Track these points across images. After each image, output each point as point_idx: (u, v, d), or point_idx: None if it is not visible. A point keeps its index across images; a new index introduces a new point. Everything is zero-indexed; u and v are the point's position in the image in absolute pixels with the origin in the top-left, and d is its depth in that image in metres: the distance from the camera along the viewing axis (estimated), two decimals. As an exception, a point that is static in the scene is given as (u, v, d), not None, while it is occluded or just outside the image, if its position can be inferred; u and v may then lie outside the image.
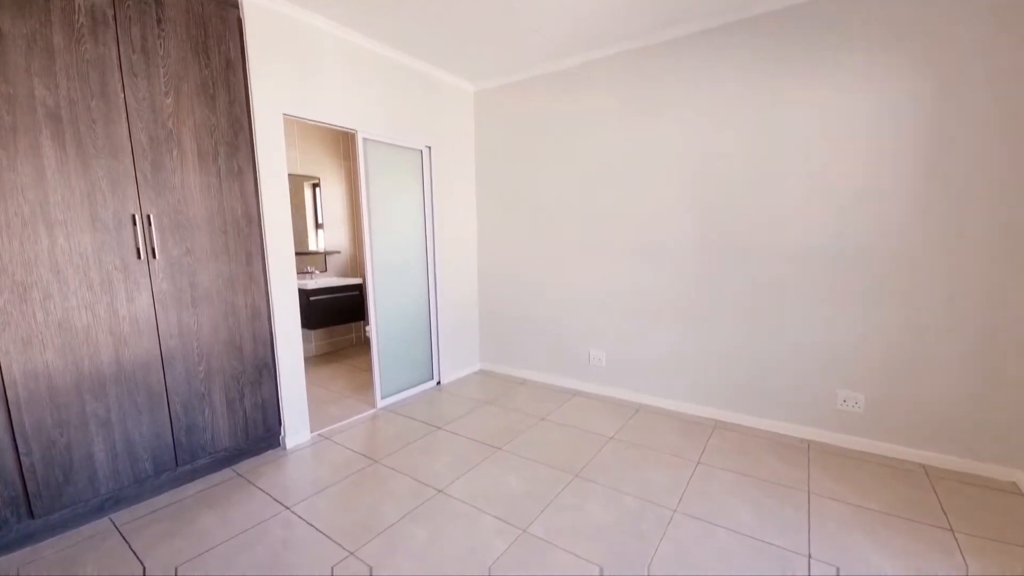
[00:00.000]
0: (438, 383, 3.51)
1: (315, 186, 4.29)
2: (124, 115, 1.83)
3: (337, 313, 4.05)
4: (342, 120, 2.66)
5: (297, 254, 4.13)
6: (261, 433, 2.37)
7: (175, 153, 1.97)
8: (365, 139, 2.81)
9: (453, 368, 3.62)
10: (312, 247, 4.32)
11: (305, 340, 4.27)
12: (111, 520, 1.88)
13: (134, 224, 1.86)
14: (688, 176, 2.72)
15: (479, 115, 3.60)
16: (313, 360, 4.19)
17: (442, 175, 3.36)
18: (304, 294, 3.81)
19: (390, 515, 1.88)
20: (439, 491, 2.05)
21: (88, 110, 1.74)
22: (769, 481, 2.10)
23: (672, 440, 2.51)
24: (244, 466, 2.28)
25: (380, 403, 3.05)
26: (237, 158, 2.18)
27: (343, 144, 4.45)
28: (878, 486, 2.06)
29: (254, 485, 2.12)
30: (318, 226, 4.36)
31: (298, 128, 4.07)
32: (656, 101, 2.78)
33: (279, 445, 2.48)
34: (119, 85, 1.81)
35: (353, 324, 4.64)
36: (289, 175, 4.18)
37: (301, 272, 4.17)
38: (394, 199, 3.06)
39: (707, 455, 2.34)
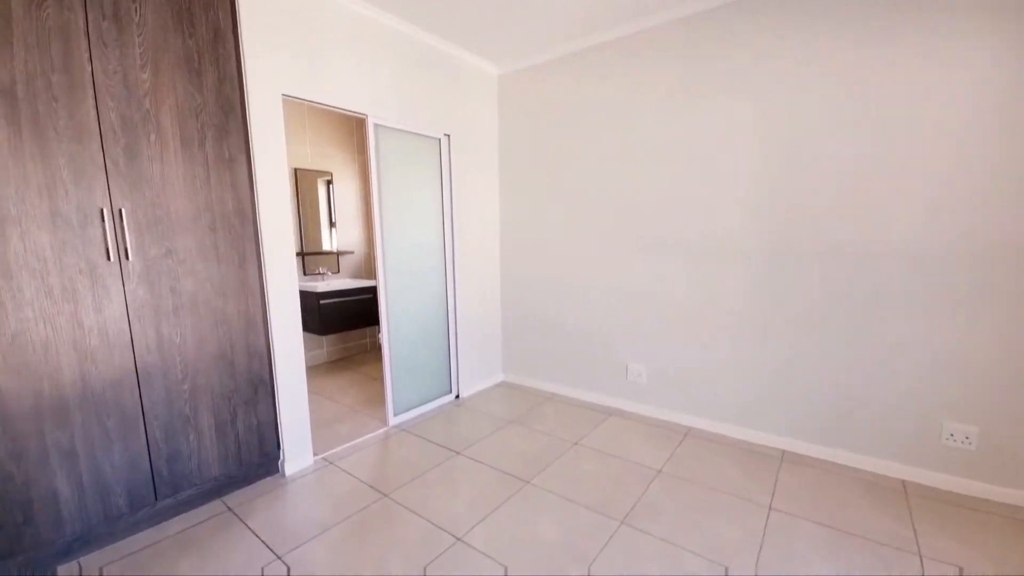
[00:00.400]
0: (457, 397, 3.19)
1: (329, 182, 4.03)
2: (91, 92, 1.55)
3: (350, 318, 3.77)
4: (351, 103, 2.36)
5: (309, 254, 3.88)
6: (256, 459, 2.09)
7: (153, 137, 1.69)
8: (376, 125, 2.50)
9: (473, 380, 3.29)
10: (327, 247, 4.06)
11: (317, 346, 4.02)
12: (79, 564, 1.62)
13: (103, 220, 1.59)
14: (753, 165, 2.31)
15: (503, 100, 3.25)
16: (324, 368, 3.93)
17: (462, 167, 3.03)
18: (315, 297, 3.54)
19: (398, 573, 1.55)
20: (457, 539, 1.71)
21: (48, 86, 1.47)
22: (867, 538, 1.69)
23: (734, 476, 2.11)
24: (236, 497, 2.00)
25: (393, 420, 2.74)
26: (228, 144, 1.90)
27: (357, 137, 4.18)
28: (1003, 546, 1.63)
29: (244, 523, 1.82)
30: (332, 224, 4.10)
31: (309, 119, 3.81)
32: (712, 78, 2.37)
33: (277, 471, 2.19)
34: (86, 57, 1.54)
35: (368, 328, 4.37)
36: (300, 170, 3.97)
37: (312, 273, 3.91)
38: (409, 193, 2.75)
39: (780, 497, 1.94)
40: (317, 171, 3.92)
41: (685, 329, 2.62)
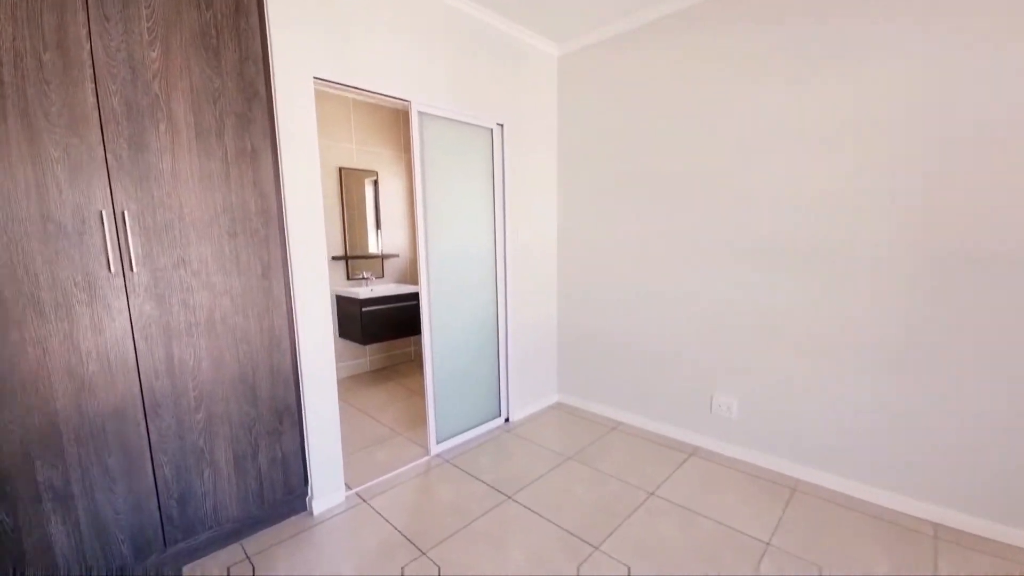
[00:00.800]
0: (506, 420, 2.83)
1: (375, 182, 3.80)
2: (90, 73, 1.32)
3: (393, 326, 3.52)
4: (392, 88, 2.05)
5: (351, 258, 3.67)
6: (280, 496, 1.82)
7: (163, 127, 1.44)
8: (421, 113, 2.18)
9: (525, 401, 2.92)
10: (373, 250, 3.84)
11: (359, 355, 3.81)
12: (78, 621, 1.40)
13: (103, 225, 1.36)
14: (906, 149, 1.76)
15: (563, 85, 2.85)
16: (366, 378, 3.70)
17: (516, 160, 2.66)
18: (356, 304, 3.32)
19: None
20: (511, 632, 1.34)
21: (39, 67, 1.24)
22: None
23: (874, 559, 1.60)
24: (256, 541, 1.74)
25: (435, 448, 2.42)
26: (251, 135, 1.63)
27: (404, 132, 3.92)
28: None
29: (261, 580, 1.55)
30: (378, 226, 3.87)
31: (355, 115, 3.59)
32: (843, 40, 1.85)
33: (304, 510, 1.92)
34: (84, 32, 1.30)
35: (413, 337, 4.11)
36: (345, 169, 3.77)
37: (355, 278, 3.70)
38: (456, 189, 2.41)
39: (952, 604, 1.41)
40: (363, 170, 3.70)
41: (792, 354, 2.10)
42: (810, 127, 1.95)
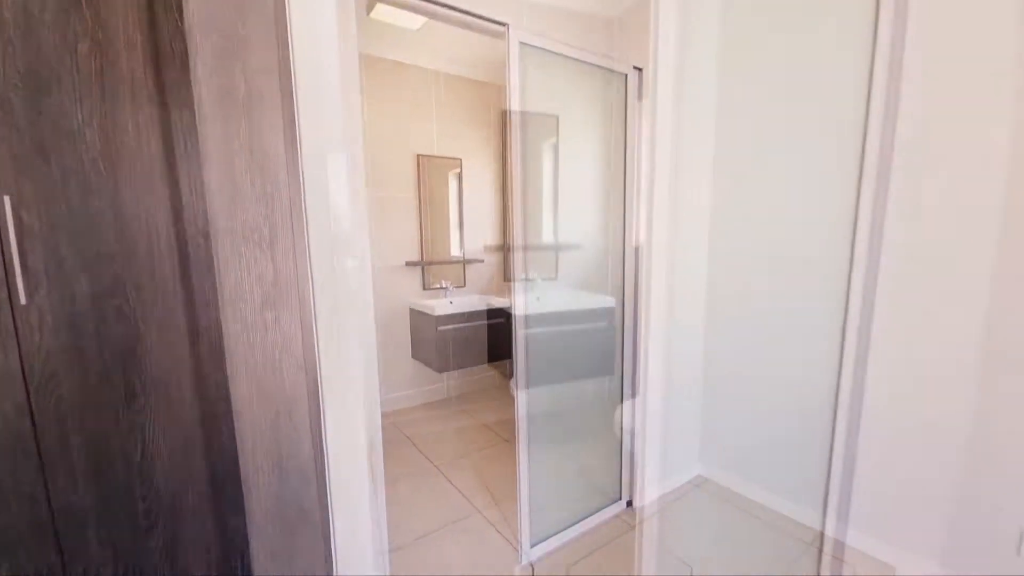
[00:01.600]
0: (628, 504, 1.96)
1: (458, 173, 3.14)
2: (-54, -54, 0.72)
3: (477, 349, 2.83)
4: (480, 3, 1.29)
5: (430, 263, 3.05)
6: (292, 651, 1.16)
7: (84, 48, 0.82)
8: (523, 44, 1.40)
9: (653, 475, 2.01)
10: (456, 253, 3.19)
11: (436, 378, 3.17)
12: None
13: (-35, 220, 0.76)
14: None
15: (731, 12, 1.89)
16: (443, 407, 3.06)
17: (657, 122, 1.77)
18: (431, 321, 2.67)
19: None
20: None
21: None
22: None
23: None
24: None
25: (529, 553, 1.64)
26: (244, 67, 0.97)
27: (493, 111, 3.20)
28: None
29: None
30: (460, 225, 3.21)
31: (436, 91, 2.95)
32: None
33: (331, 665, 1.25)
34: None
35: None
36: (424, 156, 3.14)
37: (432, 287, 3.07)
38: (569, 160, 1.61)
39: None
40: (445, 158, 3.05)
41: None
42: None
